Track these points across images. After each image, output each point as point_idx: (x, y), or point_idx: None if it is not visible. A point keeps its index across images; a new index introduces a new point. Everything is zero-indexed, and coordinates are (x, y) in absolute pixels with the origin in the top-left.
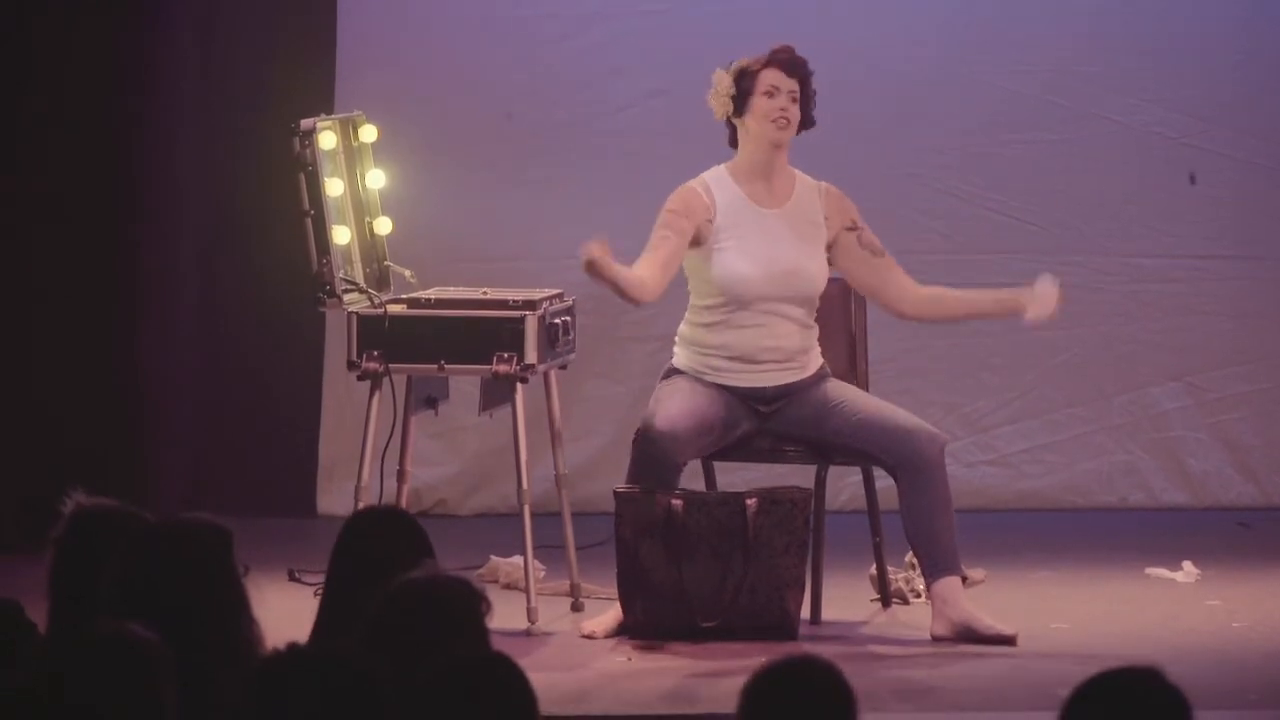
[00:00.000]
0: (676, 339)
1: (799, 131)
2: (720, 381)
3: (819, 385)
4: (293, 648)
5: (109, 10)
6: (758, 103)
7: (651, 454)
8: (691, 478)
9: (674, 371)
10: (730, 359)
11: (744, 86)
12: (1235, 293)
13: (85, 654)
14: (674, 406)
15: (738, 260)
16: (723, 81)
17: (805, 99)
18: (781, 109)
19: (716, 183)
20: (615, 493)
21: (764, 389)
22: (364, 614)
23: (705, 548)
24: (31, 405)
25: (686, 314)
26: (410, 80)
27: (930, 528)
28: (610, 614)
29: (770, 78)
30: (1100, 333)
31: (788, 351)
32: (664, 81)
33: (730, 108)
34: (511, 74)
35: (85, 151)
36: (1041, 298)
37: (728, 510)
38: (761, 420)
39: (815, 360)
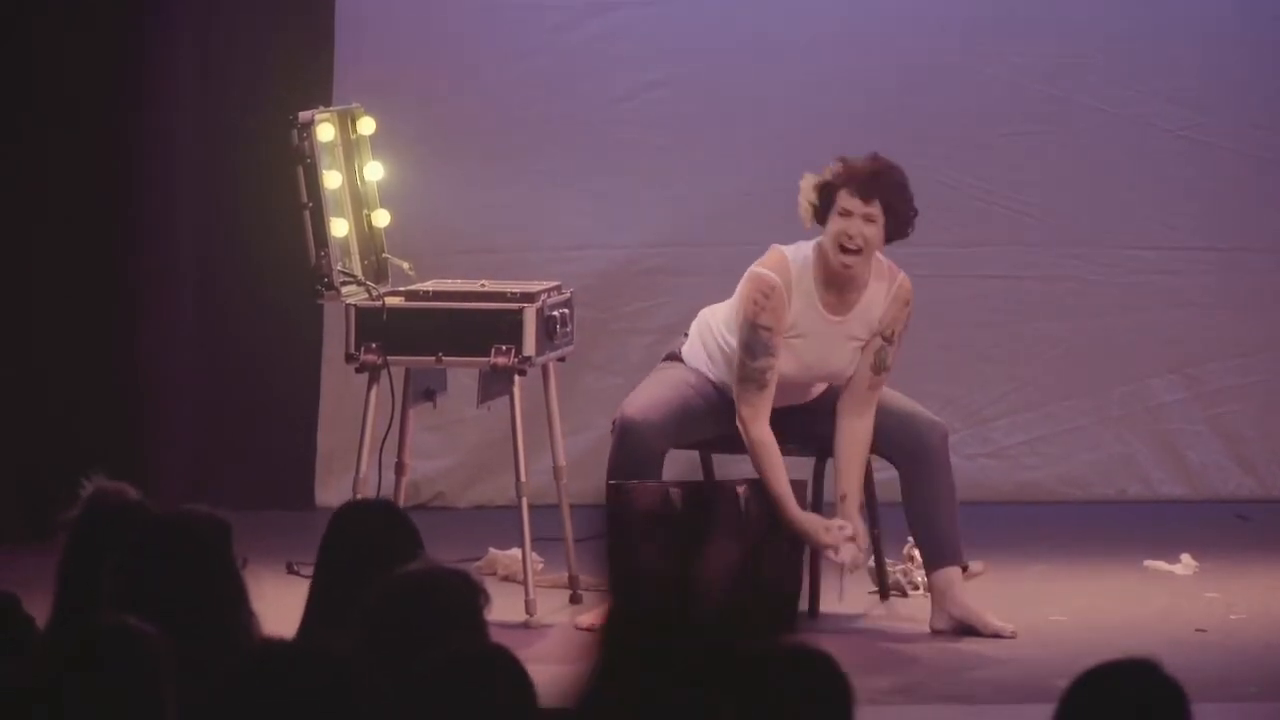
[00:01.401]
0: (697, 332)
1: (889, 242)
2: (728, 394)
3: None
4: (271, 642)
5: (108, 5)
6: (832, 220)
7: (626, 443)
8: (692, 469)
9: (676, 359)
10: None
11: (824, 199)
12: (1233, 285)
13: (86, 647)
14: (651, 395)
15: (787, 360)
16: (806, 191)
17: (892, 216)
18: (849, 234)
19: (799, 274)
20: (609, 484)
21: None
22: (353, 606)
23: (700, 537)
24: (32, 399)
25: (723, 333)
26: (408, 72)
27: (932, 516)
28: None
29: (844, 199)
30: (1098, 325)
31: (800, 400)
32: (663, 73)
33: (811, 216)
34: (510, 65)
35: (84, 148)
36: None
37: (723, 499)
38: None
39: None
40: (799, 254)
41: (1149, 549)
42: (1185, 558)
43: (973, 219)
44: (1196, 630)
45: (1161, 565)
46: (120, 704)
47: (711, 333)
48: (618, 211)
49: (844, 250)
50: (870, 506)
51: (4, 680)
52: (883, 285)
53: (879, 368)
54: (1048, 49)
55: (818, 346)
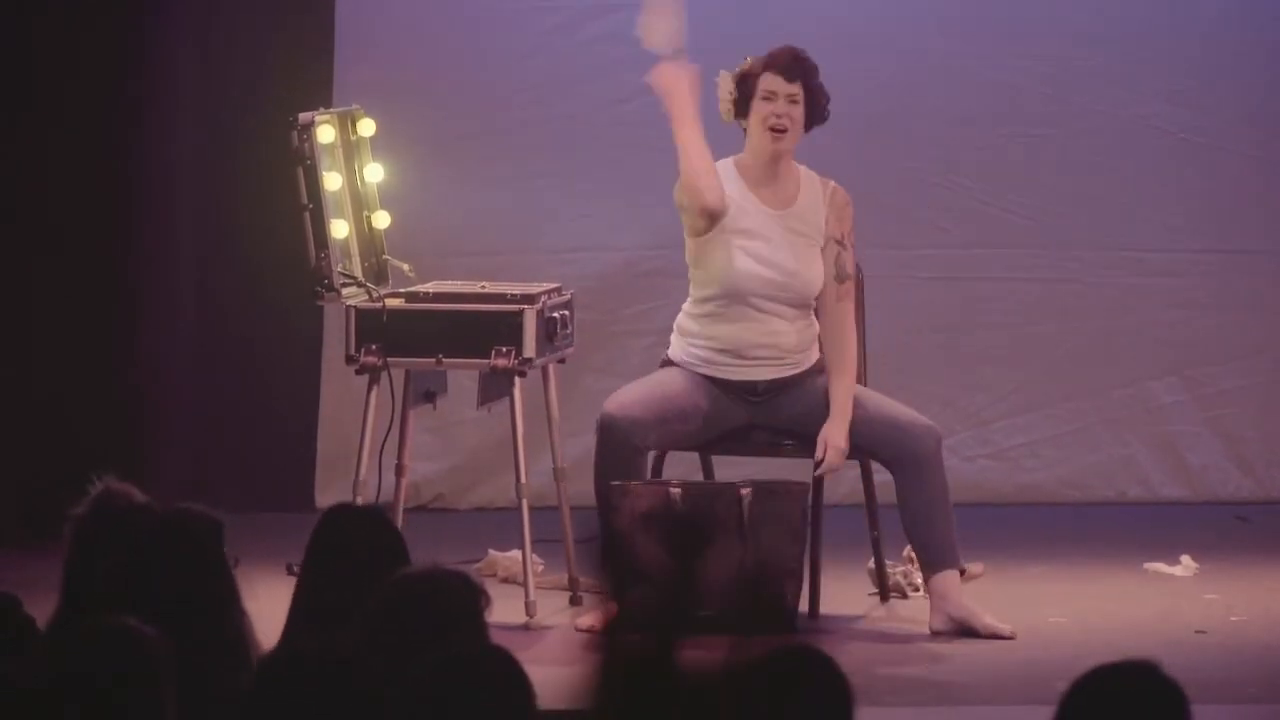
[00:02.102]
0: (674, 328)
1: (809, 129)
2: (709, 374)
3: (814, 380)
4: (292, 648)
5: (108, 6)
6: (756, 107)
7: (606, 439)
8: (693, 470)
9: (666, 361)
10: (721, 351)
11: (744, 90)
12: (1233, 286)
13: (86, 648)
14: (632, 393)
15: (739, 258)
16: (724, 84)
17: (811, 98)
18: (778, 114)
19: (725, 176)
20: (611, 485)
21: (755, 383)
22: (338, 610)
23: (701, 538)
24: (31, 400)
25: (685, 304)
26: (408, 74)
27: (928, 521)
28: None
29: (767, 82)
30: (1098, 326)
31: (781, 349)
32: None
33: (732, 110)
34: (510, 67)
35: (84, 149)
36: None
37: (724, 500)
38: (754, 410)
39: (811, 356)
40: (723, 162)
41: (1149, 550)
42: (1185, 559)
43: (972, 221)
44: (1196, 632)
45: (1161, 567)
46: (120, 705)
47: (683, 308)
48: (618, 213)
49: (773, 131)
50: (869, 509)
51: (4, 680)
52: (815, 191)
53: (841, 276)
54: (1047, 50)
55: (762, 239)
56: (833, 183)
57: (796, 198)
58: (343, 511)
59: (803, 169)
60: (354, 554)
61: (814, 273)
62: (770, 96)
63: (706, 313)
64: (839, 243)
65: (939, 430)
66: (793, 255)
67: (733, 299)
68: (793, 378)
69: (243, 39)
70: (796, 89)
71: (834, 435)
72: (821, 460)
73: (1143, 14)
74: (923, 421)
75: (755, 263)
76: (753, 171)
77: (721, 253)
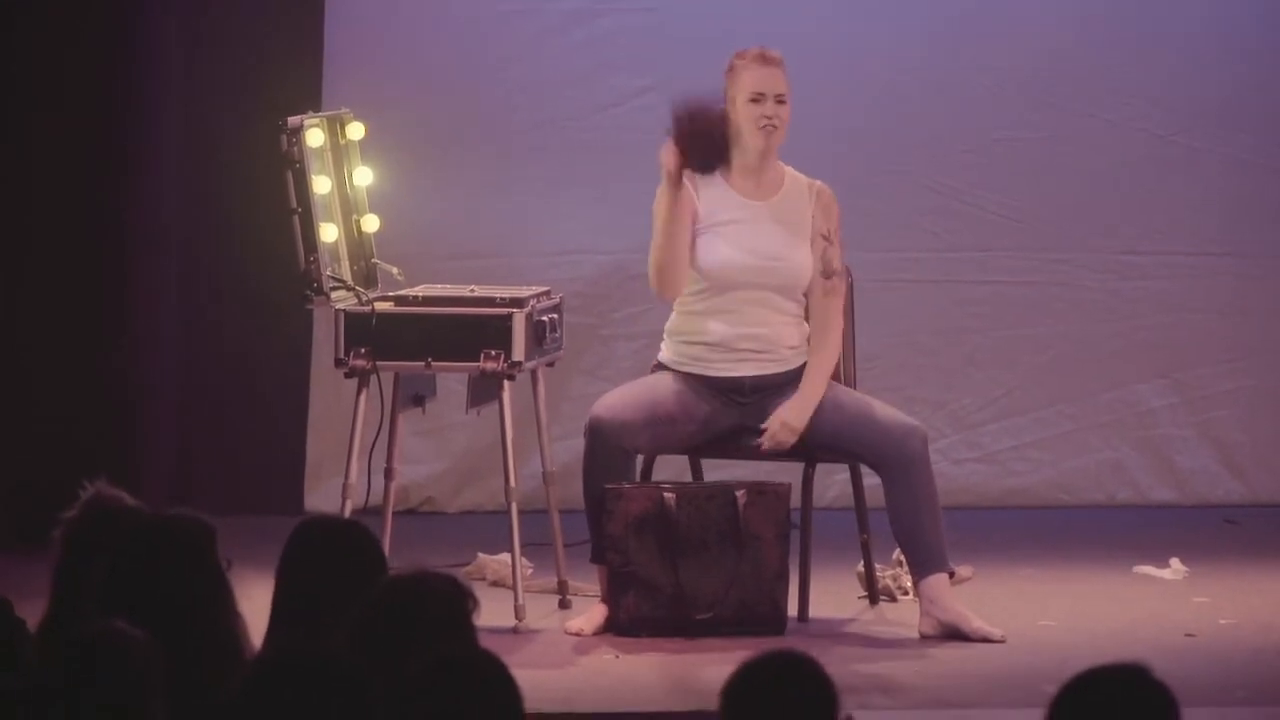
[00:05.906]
0: (665, 332)
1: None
2: (698, 371)
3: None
4: (286, 649)
5: (96, 10)
6: (744, 108)
7: (595, 442)
8: (681, 472)
9: (658, 366)
10: (709, 346)
11: (730, 90)
12: (1223, 290)
13: (76, 652)
14: (620, 395)
15: (721, 245)
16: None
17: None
18: (767, 116)
19: (706, 178)
20: (605, 488)
21: (742, 379)
22: (318, 617)
23: (697, 540)
24: (20, 405)
25: (674, 304)
26: (398, 77)
27: (916, 525)
28: (597, 611)
29: (752, 81)
30: (1088, 330)
31: (768, 341)
32: (652, 78)
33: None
34: (499, 71)
35: (71, 151)
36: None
37: (718, 503)
38: (742, 413)
39: (799, 356)
40: None
41: (1138, 554)
42: (1174, 562)
43: (961, 224)
44: (1186, 635)
45: (1151, 570)
46: (108, 708)
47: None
48: (607, 217)
49: (764, 131)
50: (859, 512)
51: None
52: (801, 188)
53: (828, 272)
54: (1036, 54)
55: (742, 226)
56: (819, 183)
57: (780, 189)
58: (315, 523)
59: (788, 169)
60: (331, 562)
61: (800, 258)
62: (758, 99)
63: (694, 309)
64: (825, 238)
65: (924, 430)
66: (775, 239)
67: (719, 289)
68: (781, 378)
69: (232, 42)
70: (782, 87)
71: (786, 411)
72: (765, 434)
73: (1128, 17)
74: (908, 422)
75: (735, 249)
76: (736, 172)
77: (703, 243)
